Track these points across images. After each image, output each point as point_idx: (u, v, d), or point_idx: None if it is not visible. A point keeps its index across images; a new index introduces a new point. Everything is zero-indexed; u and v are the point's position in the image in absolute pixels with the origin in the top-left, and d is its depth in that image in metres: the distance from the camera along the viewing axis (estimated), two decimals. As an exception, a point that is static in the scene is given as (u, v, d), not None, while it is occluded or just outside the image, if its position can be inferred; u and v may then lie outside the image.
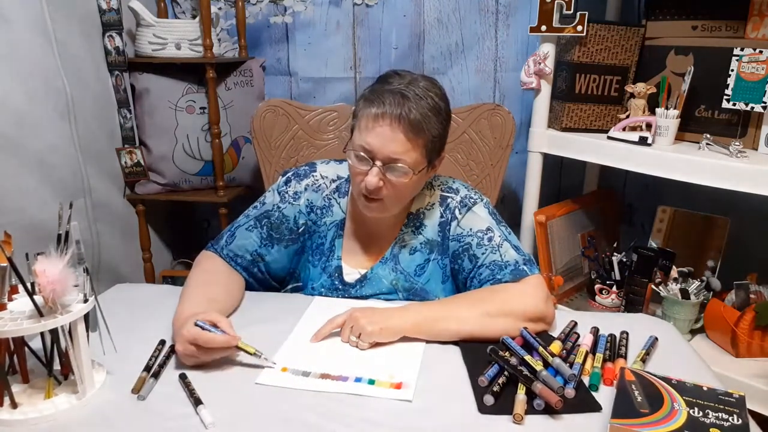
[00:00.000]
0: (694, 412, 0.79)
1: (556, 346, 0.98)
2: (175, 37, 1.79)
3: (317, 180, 1.26)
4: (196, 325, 0.93)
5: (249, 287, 1.24)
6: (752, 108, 1.37)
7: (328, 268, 1.23)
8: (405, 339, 1.03)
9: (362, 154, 1.08)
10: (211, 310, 0.99)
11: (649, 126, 1.53)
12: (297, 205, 1.24)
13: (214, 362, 0.95)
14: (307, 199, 1.24)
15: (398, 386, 0.90)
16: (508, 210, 2.02)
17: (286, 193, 1.24)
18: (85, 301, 0.84)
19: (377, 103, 1.06)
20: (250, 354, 0.94)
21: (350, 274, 1.23)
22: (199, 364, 0.94)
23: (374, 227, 1.23)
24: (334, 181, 1.26)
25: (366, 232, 1.24)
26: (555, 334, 1.08)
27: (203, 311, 0.98)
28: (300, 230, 1.24)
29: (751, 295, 1.42)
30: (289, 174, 1.27)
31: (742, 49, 1.37)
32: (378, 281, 1.21)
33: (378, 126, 1.06)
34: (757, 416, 1.16)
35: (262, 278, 1.25)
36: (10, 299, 0.85)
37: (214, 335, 0.92)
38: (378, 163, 1.07)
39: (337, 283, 1.23)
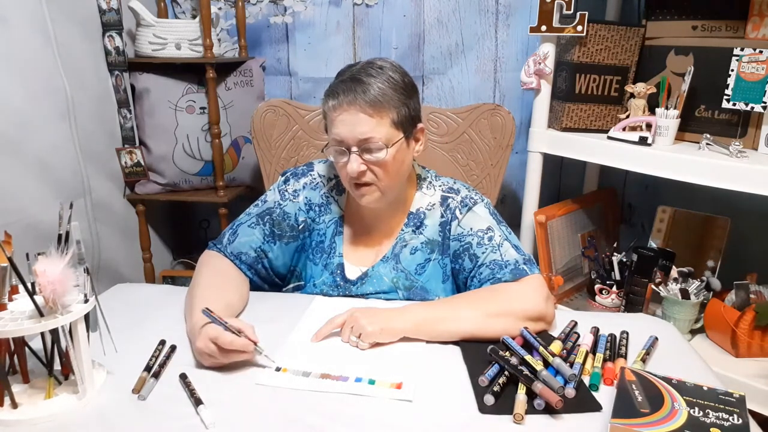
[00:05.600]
0: (694, 412, 0.79)
1: (556, 346, 0.98)
2: (175, 37, 1.79)
3: (315, 178, 1.27)
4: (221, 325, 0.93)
5: (252, 285, 1.24)
6: (752, 108, 1.37)
7: (329, 265, 1.24)
8: (405, 339, 1.03)
9: (337, 147, 1.11)
10: (230, 317, 0.98)
11: (649, 126, 1.53)
12: (297, 203, 1.24)
13: (214, 362, 0.95)
14: (306, 197, 1.25)
15: (398, 386, 0.90)
16: (508, 210, 2.02)
17: (286, 191, 1.25)
18: (86, 301, 0.84)
19: (332, 96, 1.10)
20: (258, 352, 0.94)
21: (352, 271, 1.23)
22: (216, 365, 0.93)
23: (374, 223, 1.24)
24: (331, 179, 1.27)
25: (366, 229, 1.25)
26: (555, 333, 1.08)
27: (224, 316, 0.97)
28: (300, 227, 1.24)
29: (751, 295, 1.42)
30: (287, 173, 1.28)
31: (742, 49, 1.38)
32: (379, 279, 1.22)
33: (339, 115, 1.09)
34: (757, 416, 1.16)
35: (266, 275, 1.25)
36: (11, 299, 0.85)
37: (234, 337, 0.92)
38: (353, 148, 1.10)
39: (338, 280, 1.23)
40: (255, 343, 0.93)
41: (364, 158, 1.10)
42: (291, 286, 1.30)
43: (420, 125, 1.18)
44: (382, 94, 1.08)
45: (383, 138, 1.09)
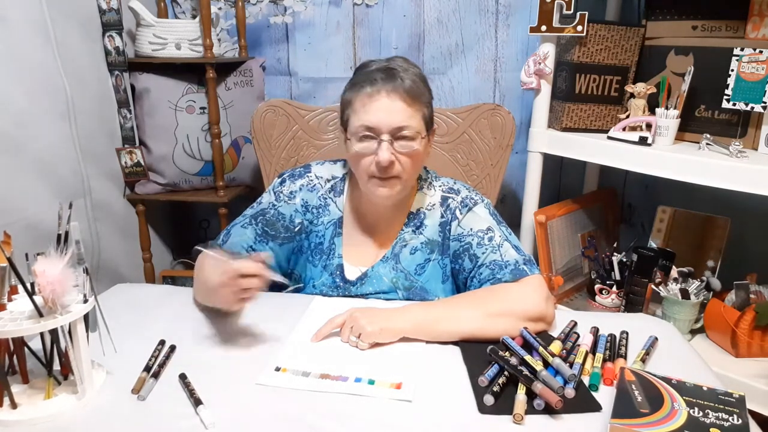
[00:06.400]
0: (694, 412, 0.79)
1: (556, 346, 0.98)
2: (175, 37, 1.79)
3: (312, 180, 1.26)
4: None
5: None
6: (752, 108, 1.37)
7: (329, 266, 1.24)
8: (405, 339, 1.03)
9: (366, 133, 1.10)
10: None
11: (649, 126, 1.53)
12: (293, 204, 1.24)
13: (214, 362, 0.95)
14: (303, 199, 1.25)
15: (398, 386, 0.90)
16: (508, 210, 2.02)
17: (281, 192, 1.25)
18: (85, 301, 0.84)
19: (369, 82, 1.10)
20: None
21: (352, 271, 1.23)
22: (241, 303, 0.94)
23: (374, 224, 1.24)
24: (329, 180, 1.27)
25: (366, 229, 1.25)
26: (555, 334, 1.08)
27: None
28: (296, 229, 1.24)
29: (751, 295, 1.42)
30: (284, 175, 1.28)
31: (742, 49, 1.37)
32: (378, 279, 1.22)
33: (376, 102, 1.09)
34: (757, 416, 1.16)
35: None
36: (10, 299, 0.85)
37: (246, 261, 0.92)
38: (385, 136, 1.09)
39: (338, 280, 1.23)
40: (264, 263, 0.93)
41: (395, 147, 1.10)
42: (290, 288, 1.29)
43: (434, 127, 1.21)
44: (416, 86, 1.11)
45: (416, 128, 1.10)
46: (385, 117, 1.09)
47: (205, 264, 1.09)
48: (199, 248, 0.94)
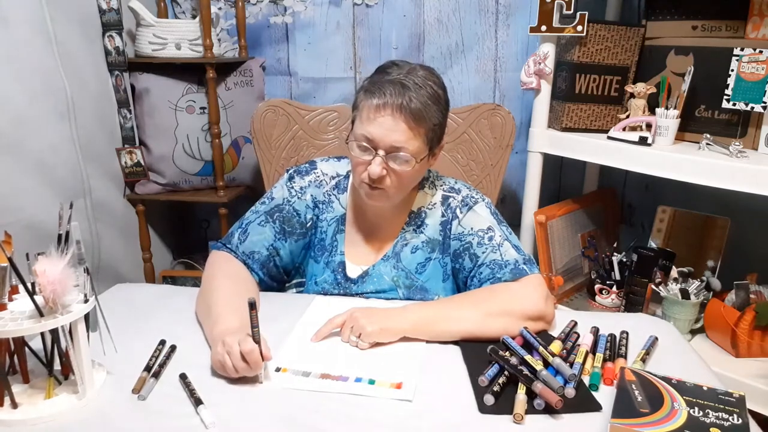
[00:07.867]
0: (694, 412, 0.79)
1: (556, 346, 0.98)
2: (175, 37, 1.79)
3: (319, 176, 1.27)
4: None
5: (262, 285, 1.23)
6: (752, 108, 1.37)
7: (331, 263, 1.24)
8: (405, 339, 1.03)
9: (364, 144, 1.10)
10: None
11: (649, 126, 1.53)
12: (304, 200, 1.25)
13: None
14: (312, 195, 1.25)
15: (398, 386, 0.90)
16: (508, 210, 2.02)
17: (293, 188, 1.25)
18: (86, 301, 0.84)
19: (378, 94, 1.07)
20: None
21: (353, 269, 1.23)
22: (233, 377, 0.91)
23: (375, 222, 1.24)
24: (333, 178, 1.27)
25: (367, 227, 1.25)
26: (555, 333, 1.08)
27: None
28: (308, 225, 1.25)
29: (751, 295, 1.42)
30: (291, 171, 1.28)
31: (742, 49, 1.38)
32: (379, 278, 1.22)
33: (380, 116, 1.07)
34: (757, 416, 1.16)
35: (276, 273, 1.25)
36: (11, 299, 0.85)
37: (255, 348, 0.89)
38: (381, 152, 1.09)
39: (339, 278, 1.23)
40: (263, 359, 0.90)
41: (388, 164, 1.09)
42: (294, 282, 1.30)
43: (441, 143, 1.18)
44: (425, 108, 1.08)
45: (413, 151, 1.09)
46: (385, 134, 1.07)
47: (221, 294, 1.07)
48: (252, 299, 0.91)
